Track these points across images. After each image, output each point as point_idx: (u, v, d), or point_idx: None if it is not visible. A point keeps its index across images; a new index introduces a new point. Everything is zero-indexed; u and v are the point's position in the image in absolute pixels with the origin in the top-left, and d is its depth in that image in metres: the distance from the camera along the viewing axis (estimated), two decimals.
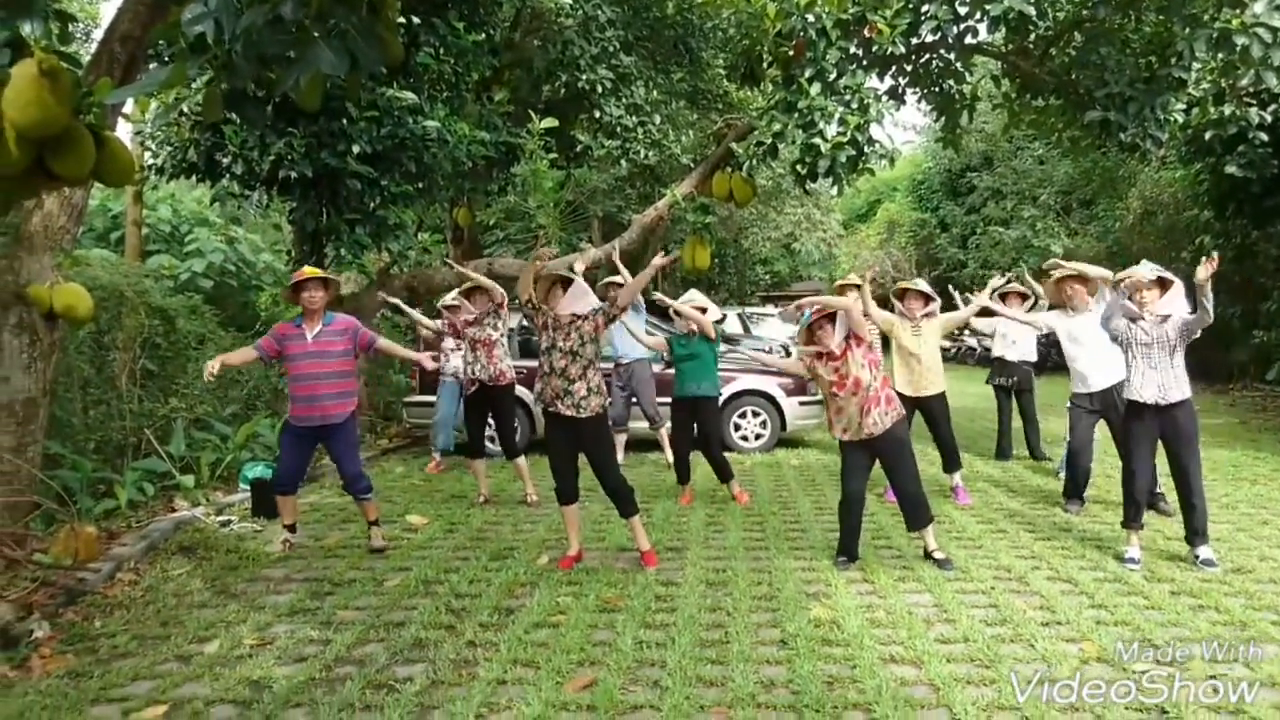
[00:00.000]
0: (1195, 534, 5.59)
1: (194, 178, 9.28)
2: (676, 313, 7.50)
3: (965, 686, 3.79)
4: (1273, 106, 11.55)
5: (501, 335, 7.36)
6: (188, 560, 5.79)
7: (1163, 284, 5.52)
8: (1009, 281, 8.98)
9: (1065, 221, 23.78)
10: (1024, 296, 8.91)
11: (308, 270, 5.96)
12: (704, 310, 7.36)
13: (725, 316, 7.24)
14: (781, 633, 4.43)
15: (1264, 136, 11.79)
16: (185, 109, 8.51)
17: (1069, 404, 7.11)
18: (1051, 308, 7.54)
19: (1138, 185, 20.30)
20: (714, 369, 7.49)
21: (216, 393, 8.76)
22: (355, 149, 8.31)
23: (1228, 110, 11.53)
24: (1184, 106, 10.22)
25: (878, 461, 5.68)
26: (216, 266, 12.23)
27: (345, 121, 8.25)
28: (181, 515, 6.66)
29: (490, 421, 7.59)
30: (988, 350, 10.24)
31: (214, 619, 4.72)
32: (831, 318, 5.45)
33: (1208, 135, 12.24)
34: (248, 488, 7.29)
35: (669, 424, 8.17)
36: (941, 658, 4.09)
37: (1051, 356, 13.32)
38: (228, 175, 8.86)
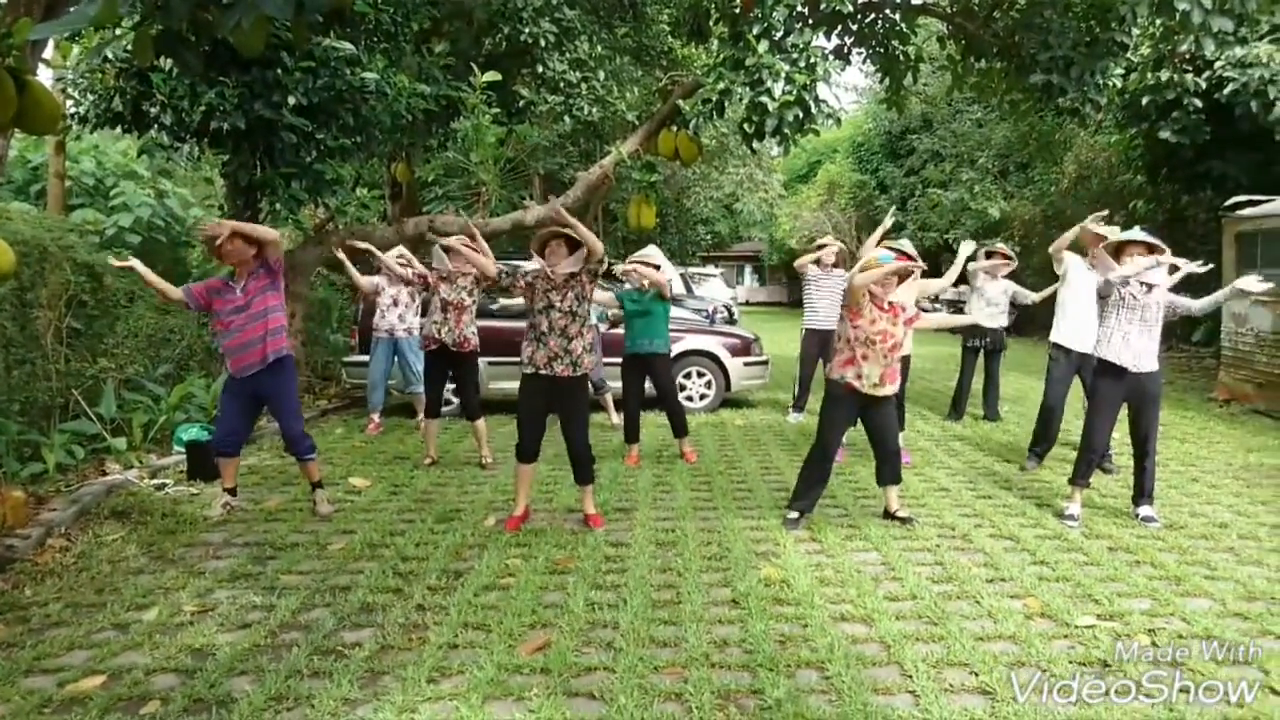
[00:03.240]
0: (1143, 494, 5.74)
1: (119, 128, 8.89)
2: (626, 272, 7.42)
3: (915, 643, 3.84)
4: (1207, 73, 11.77)
5: (473, 303, 7.25)
6: (122, 525, 5.61)
7: (1151, 249, 5.54)
8: (982, 249, 9.17)
9: (1002, 185, 24.11)
10: (1008, 257, 9.06)
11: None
12: (658, 267, 7.31)
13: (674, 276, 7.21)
14: (733, 592, 4.44)
15: (1198, 103, 12.04)
16: (110, 55, 8.12)
17: (1049, 355, 7.37)
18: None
19: (1073, 150, 20.64)
20: (665, 325, 7.50)
21: (148, 352, 8.47)
22: (290, 100, 8.02)
23: (1165, 76, 11.74)
24: (1123, 71, 10.34)
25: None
26: (144, 221, 11.78)
27: (280, 72, 7.95)
28: (114, 479, 6.45)
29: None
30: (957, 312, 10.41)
31: (152, 585, 4.58)
32: (904, 276, 5.48)
33: (1144, 100, 12.48)
34: (183, 450, 7.08)
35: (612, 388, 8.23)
36: (891, 615, 4.14)
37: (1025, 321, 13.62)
38: (156, 126, 8.51)
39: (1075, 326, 7.11)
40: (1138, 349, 5.52)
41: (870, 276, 5.30)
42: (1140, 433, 5.69)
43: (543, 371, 5.40)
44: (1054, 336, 7.32)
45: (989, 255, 9.18)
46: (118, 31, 7.76)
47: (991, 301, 9.15)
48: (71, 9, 6.01)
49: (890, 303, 5.41)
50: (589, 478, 5.69)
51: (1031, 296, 8.98)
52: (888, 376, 5.44)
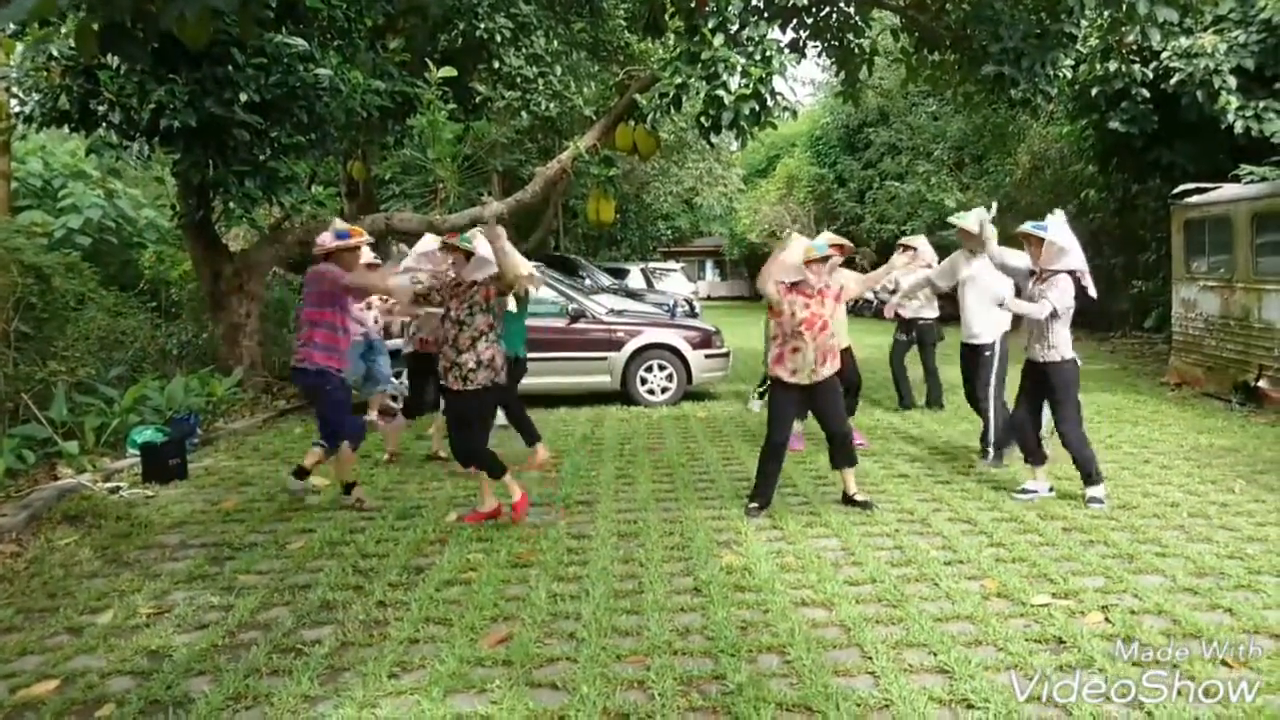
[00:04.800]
0: (1084, 477, 5.85)
1: (67, 127, 8.71)
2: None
3: (875, 626, 3.88)
4: (1154, 63, 11.97)
5: None
6: (75, 529, 5.52)
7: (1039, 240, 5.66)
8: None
9: (958, 176, 24.35)
10: (912, 248, 9.13)
11: (364, 232, 6.10)
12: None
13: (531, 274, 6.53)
14: (694, 581, 4.46)
15: (1146, 93, 12.24)
16: (55, 52, 7.96)
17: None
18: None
19: (1026, 141, 20.89)
20: (519, 330, 7.12)
21: (99, 355, 8.33)
22: (243, 97, 7.91)
23: (1113, 66, 11.92)
24: (1072, 62, 10.50)
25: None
26: (94, 223, 11.58)
27: (231, 68, 7.85)
28: (66, 483, 6.33)
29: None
30: (880, 303, 10.49)
31: (106, 589, 4.51)
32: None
33: (1094, 91, 12.68)
34: (137, 452, 6.97)
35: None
36: (851, 599, 4.18)
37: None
38: (104, 125, 8.36)
39: (979, 322, 7.01)
40: (1033, 343, 5.74)
41: (777, 271, 5.52)
42: (1056, 424, 5.88)
43: (443, 381, 5.41)
44: (962, 337, 7.23)
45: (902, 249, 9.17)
46: (63, 29, 7.61)
47: (909, 296, 9.23)
48: (10, 2, 5.89)
49: (819, 289, 5.51)
50: (495, 474, 5.51)
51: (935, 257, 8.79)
52: (825, 357, 5.53)
